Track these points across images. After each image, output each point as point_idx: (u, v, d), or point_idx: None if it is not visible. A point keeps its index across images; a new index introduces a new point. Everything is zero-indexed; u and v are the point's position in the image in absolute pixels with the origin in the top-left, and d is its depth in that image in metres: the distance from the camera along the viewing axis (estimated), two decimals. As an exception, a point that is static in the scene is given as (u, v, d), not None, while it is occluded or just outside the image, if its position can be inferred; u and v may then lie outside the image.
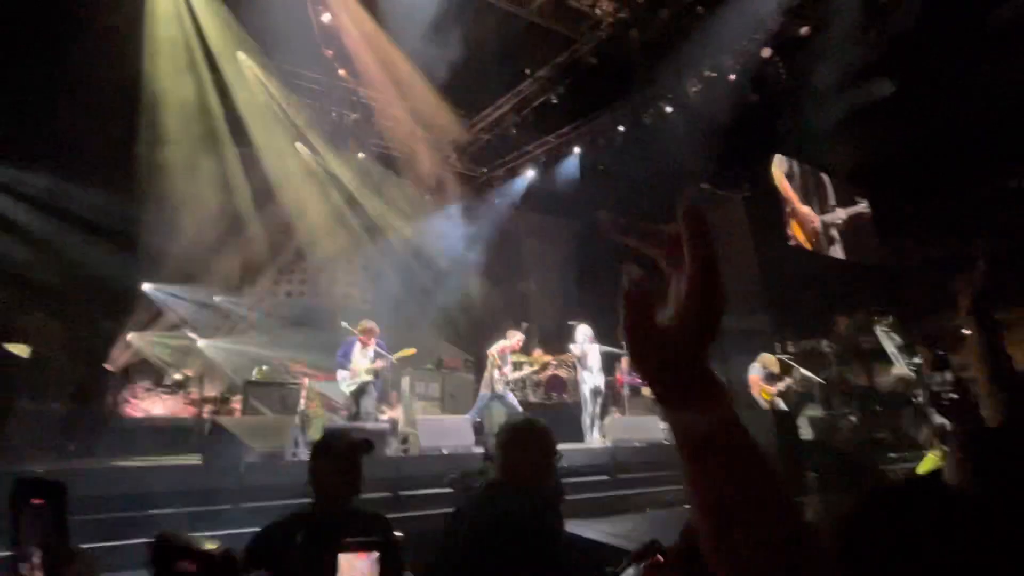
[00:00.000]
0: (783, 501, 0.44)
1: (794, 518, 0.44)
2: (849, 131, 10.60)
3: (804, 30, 8.34)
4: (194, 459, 4.15)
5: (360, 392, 5.59)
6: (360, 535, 1.58)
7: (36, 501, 0.97)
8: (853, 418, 7.40)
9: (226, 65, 7.68)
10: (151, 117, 7.24)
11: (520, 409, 6.03)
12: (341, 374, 5.66)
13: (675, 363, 0.45)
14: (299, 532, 1.65)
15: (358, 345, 5.74)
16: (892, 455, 5.74)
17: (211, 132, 8.09)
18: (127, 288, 7.37)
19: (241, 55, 7.67)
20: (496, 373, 6.19)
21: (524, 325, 9.34)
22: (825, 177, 12.04)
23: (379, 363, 5.69)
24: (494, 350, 6.40)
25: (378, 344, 5.83)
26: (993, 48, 8.13)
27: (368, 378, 5.62)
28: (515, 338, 6.59)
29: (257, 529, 1.77)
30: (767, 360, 7.32)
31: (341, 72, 8.10)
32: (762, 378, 7.15)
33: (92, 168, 6.55)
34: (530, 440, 1.89)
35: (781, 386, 7.11)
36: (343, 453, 1.77)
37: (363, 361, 5.66)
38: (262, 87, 8.07)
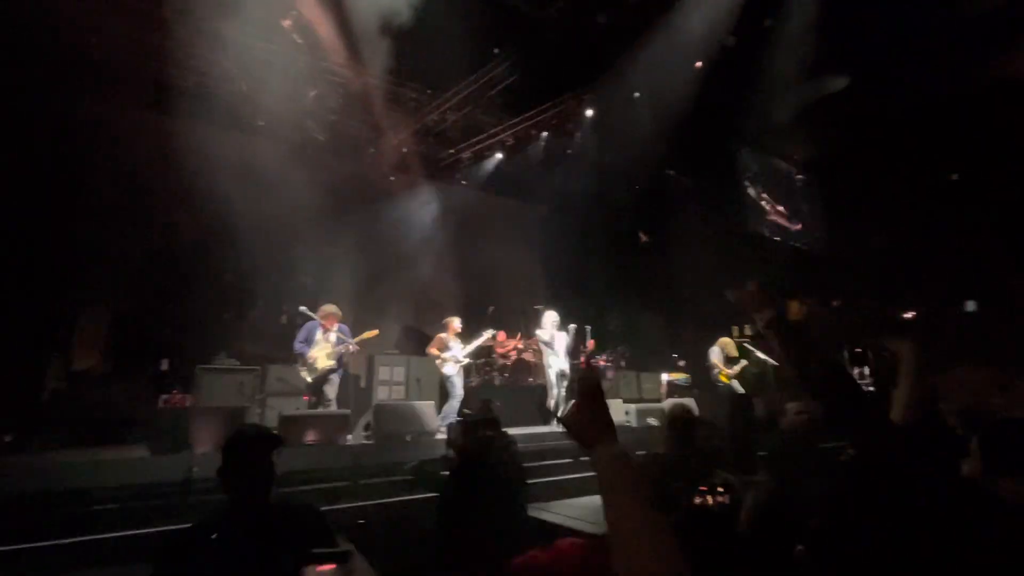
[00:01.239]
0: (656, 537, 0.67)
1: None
2: (804, 122, 10.98)
3: (768, 21, 8.50)
4: (140, 451, 3.96)
5: (321, 379, 5.47)
6: (284, 534, 1.59)
7: None
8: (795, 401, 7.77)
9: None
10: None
11: (460, 394, 6.03)
12: (300, 360, 5.51)
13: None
14: (213, 540, 1.57)
15: (319, 330, 5.58)
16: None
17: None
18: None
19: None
20: (446, 362, 6.23)
21: (489, 309, 9.34)
22: (782, 165, 12.47)
23: (340, 348, 5.55)
24: (432, 347, 6.40)
25: (340, 329, 5.69)
26: (941, 48, 8.50)
27: (330, 363, 5.49)
28: (452, 324, 6.56)
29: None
30: (725, 343, 7.58)
31: (298, 42, 7.71)
32: (721, 361, 7.41)
33: None
34: None
35: (737, 368, 7.39)
36: (253, 450, 1.67)
37: (324, 346, 5.52)
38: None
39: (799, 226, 12.40)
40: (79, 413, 5.80)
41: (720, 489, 0.99)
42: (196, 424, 3.79)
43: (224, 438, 1.76)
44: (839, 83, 10.33)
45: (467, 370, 8.56)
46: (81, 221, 7.34)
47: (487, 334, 7.10)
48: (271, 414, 5.89)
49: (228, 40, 7.53)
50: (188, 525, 1.63)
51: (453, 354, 6.28)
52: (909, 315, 10.49)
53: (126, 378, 6.99)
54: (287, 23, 7.43)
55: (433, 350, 6.36)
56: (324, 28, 7.60)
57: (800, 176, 12.80)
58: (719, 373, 7.31)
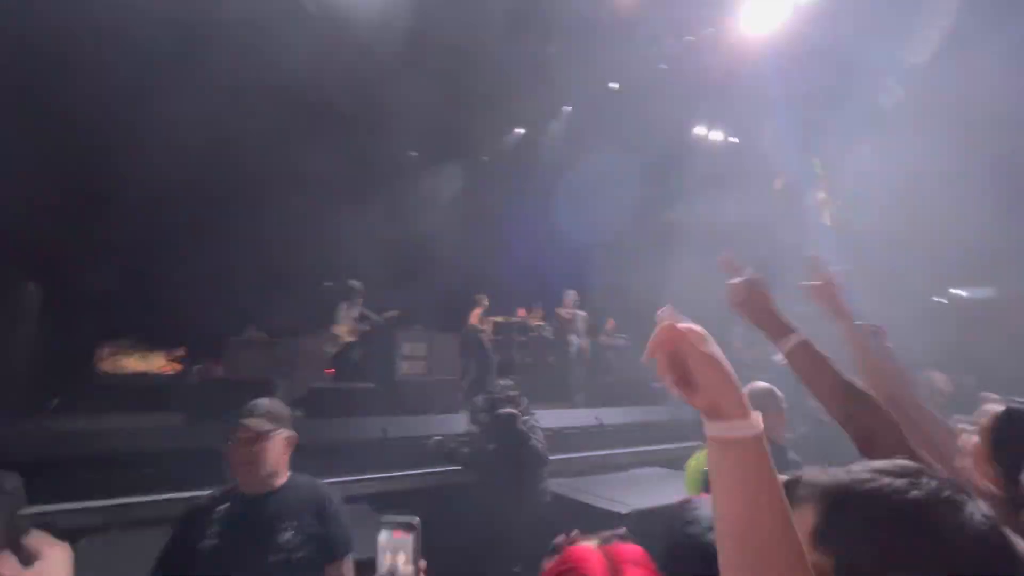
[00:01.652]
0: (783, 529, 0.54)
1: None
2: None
3: None
4: (177, 419, 4.14)
5: (344, 353, 5.58)
6: (290, 507, 1.63)
7: None
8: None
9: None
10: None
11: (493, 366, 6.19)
12: (324, 333, 5.61)
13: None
14: (217, 516, 1.59)
15: (343, 304, 5.67)
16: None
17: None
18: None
19: None
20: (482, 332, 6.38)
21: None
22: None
23: (363, 325, 5.66)
24: (473, 319, 6.54)
25: (363, 304, 5.77)
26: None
27: (350, 339, 5.59)
28: (481, 303, 6.69)
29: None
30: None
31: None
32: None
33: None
34: None
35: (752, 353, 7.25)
36: (253, 426, 1.64)
37: (347, 321, 5.62)
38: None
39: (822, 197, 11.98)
40: (121, 380, 6.07)
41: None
42: (225, 395, 3.92)
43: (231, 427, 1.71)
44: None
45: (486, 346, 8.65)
46: (118, 193, 7.53)
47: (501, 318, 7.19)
48: (298, 386, 6.06)
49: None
50: (205, 494, 1.69)
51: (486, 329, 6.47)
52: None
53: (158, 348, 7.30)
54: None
55: (475, 321, 6.49)
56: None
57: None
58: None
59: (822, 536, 0.58)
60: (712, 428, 0.59)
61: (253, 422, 1.65)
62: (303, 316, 8.05)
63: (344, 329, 5.58)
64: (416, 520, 0.84)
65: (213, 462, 3.32)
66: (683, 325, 0.64)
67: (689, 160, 11.09)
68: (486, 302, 6.72)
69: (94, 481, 3.07)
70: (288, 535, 1.59)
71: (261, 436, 1.63)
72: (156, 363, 7.02)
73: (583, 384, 6.39)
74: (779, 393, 2.21)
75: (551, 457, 3.32)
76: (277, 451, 1.67)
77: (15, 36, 5.67)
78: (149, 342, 7.23)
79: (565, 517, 3.24)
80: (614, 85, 9.21)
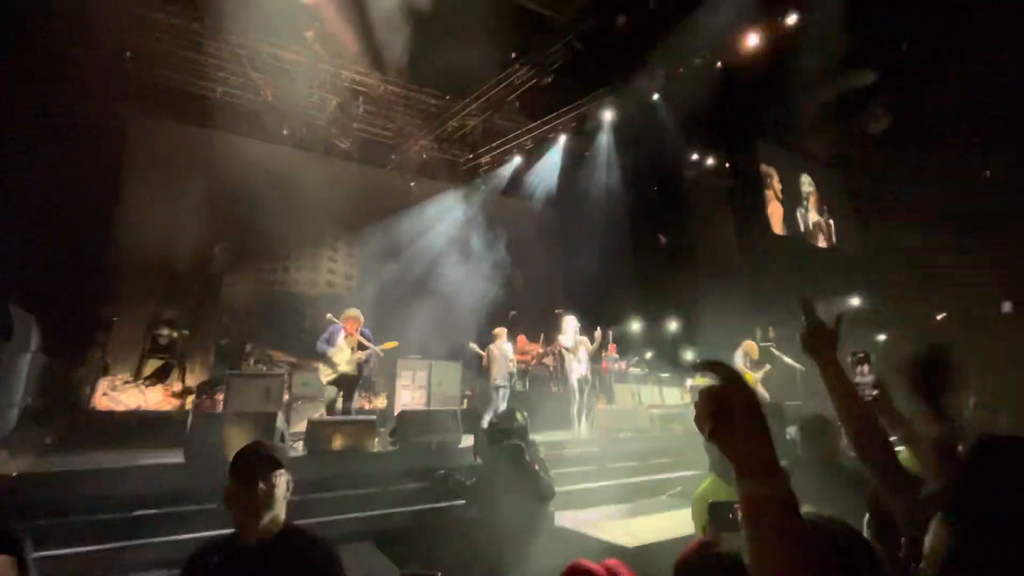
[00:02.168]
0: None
1: None
2: (831, 119, 10.73)
3: (792, 18, 8.33)
4: (176, 456, 4.07)
5: (339, 382, 5.50)
6: (290, 567, 1.50)
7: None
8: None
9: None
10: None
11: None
12: (322, 359, 5.54)
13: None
14: (215, 564, 1.50)
15: (342, 334, 5.64)
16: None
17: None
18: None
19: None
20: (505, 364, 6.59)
21: (511, 314, 9.35)
22: (808, 164, 12.21)
23: (361, 354, 5.62)
24: (502, 346, 6.73)
25: (362, 334, 5.74)
26: (973, 40, 8.24)
27: (349, 369, 5.53)
28: (502, 334, 6.88)
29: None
30: (749, 347, 7.44)
31: (321, 53, 7.85)
32: (745, 365, 7.28)
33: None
34: None
35: (761, 373, 7.25)
36: (249, 472, 1.55)
37: (346, 351, 5.58)
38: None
39: (827, 226, 12.13)
40: (117, 416, 5.99)
41: None
42: (228, 430, 3.87)
43: (231, 464, 1.62)
44: (867, 77, 10.09)
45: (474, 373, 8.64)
46: (117, 229, 7.60)
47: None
48: (296, 419, 6.00)
49: (254, 52, 7.73)
50: (203, 544, 1.61)
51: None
52: (941, 316, 10.17)
53: (155, 382, 7.24)
54: (310, 34, 7.57)
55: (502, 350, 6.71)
56: (346, 38, 7.73)
57: (826, 174, 12.52)
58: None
59: None
60: (745, 486, 0.64)
61: (257, 463, 1.58)
62: (301, 347, 8.07)
63: (343, 360, 5.55)
64: (439, 574, 0.84)
65: (213, 502, 3.28)
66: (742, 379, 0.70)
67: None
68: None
69: (90, 524, 3.00)
70: None
71: (265, 479, 1.56)
72: (153, 398, 6.95)
73: (586, 413, 6.35)
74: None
75: (556, 489, 3.28)
76: (279, 495, 1.59)
77: None
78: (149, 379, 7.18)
79: (570, 551, 3.18)
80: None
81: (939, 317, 9.94)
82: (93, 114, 6.89)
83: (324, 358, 5.50)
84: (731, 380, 0.71)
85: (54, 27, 5.96)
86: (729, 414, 0.69)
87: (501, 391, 6.59)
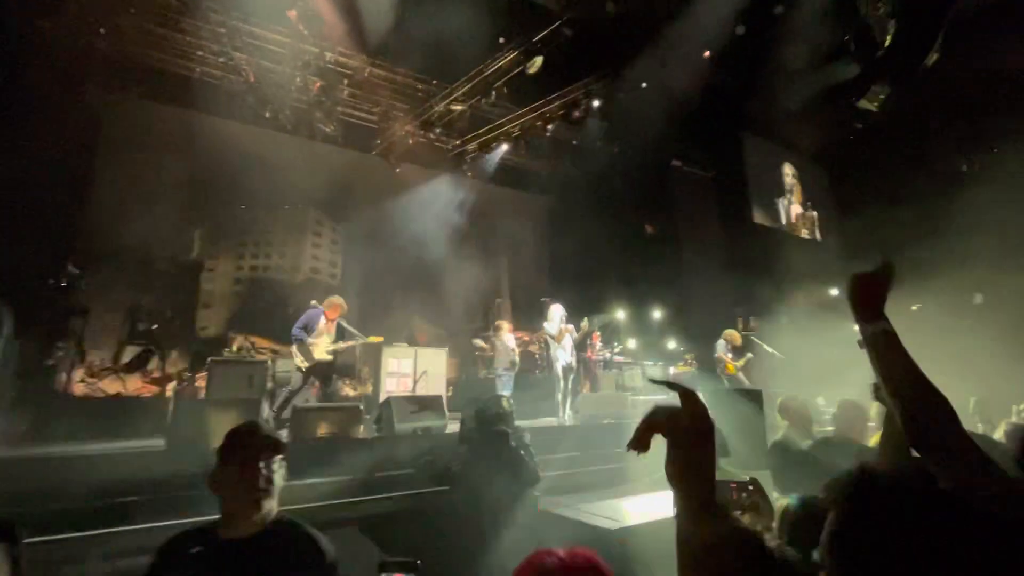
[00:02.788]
0: None
1: None
2: (815, 111, 10.84)
3: (778, 9, 8.37)
4: (158, 443, 4.03)
5: (315, 370, 5.46)
6: (276, 560, 1.41)
7: None
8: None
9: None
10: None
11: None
12: (297, 347, 5.47)
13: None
14: (194, 555, 1.40)
15: (323, 320, 5.58)
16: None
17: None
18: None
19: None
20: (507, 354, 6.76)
21: (497, 302, 9.37)
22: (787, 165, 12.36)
23: (341, 344, 5.60)
24: (503, 337, 6.91)
25: (340, 322, 5.68)
26: (955, 34, 8.36)
27: (327, 358, 5.50)
28: (504, 326, 7.07)
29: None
30: (730, 335, 7.58)
31: (305, 33, 7.65)
32: (727, 353, 7.42)
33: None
34: None
35: (743, 361, 7.40)
36: (251, 456, 1.47)
37: (326, 339, 5.53)
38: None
39: (809, 217, 12.33)
40: (94, 402, 5.88)
41: None
42: (211, 417, 3.84)
43: (220, 447, 1.53)
44: (849, 70, 10.20)
45: (472, 363, 8.64)
46: (91, 215, 7.39)
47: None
48: (282, 406, 5.95)
49: (235, 31, 7.51)
50: (178, 533, 1.49)
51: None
52: (915, 307, 10.44)
53: (134, 369, 7.12)
54: (292, 13, 7.37)
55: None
56: (330, 18, 7.54)
57: (809, 166, 12.69)
58: (725, 366, 7.33)
59: None
60: (681, 519, 0.70)
61: (258, 446, 1.49)
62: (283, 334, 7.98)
63: (321, 346, 5.50)
64: (419, 562, 0.85)
65: (194, 489, 3.25)
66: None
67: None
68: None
69: (70, 511, 2.96)
70: None
71: (267, 464, 1.48)
72: (133, 384, 6.84)
73: (571, 400, 6.42)
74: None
75: (541, 474, 3.32)
76: (278, 483, 1.50)
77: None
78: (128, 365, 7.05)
79: (556, 535, 3.23)
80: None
81: (913, 307, 10.21)
82: (65, 92, 6.65)
83: (300, 344, 5.43)
84: (687, 403, 0.73)
85: (26, 2, 5.71)
86: (679, 439, 0.71)
87: (504, 378, 6.75)
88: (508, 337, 7.00)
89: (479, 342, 7.37)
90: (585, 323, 6.53)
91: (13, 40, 5.64)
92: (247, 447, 1.50)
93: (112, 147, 7.72)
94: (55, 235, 6.51)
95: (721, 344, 7.49)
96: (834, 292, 10.64)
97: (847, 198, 11.97)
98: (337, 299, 5.75)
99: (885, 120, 10.16)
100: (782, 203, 11.83)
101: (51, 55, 6.44)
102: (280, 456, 1.53)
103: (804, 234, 12.20)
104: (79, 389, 6.34)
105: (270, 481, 1.48)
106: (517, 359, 6.92)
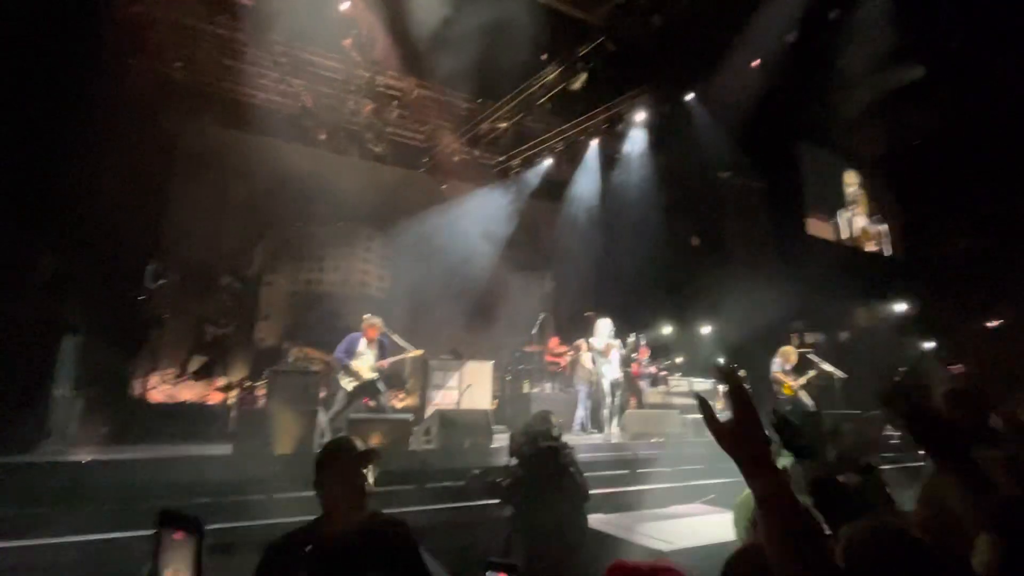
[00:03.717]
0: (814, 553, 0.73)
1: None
2: (875, 119, 10.34)
3: (833, 13, 8.08)
4: (224, 448, 4.27)
5: (362, 390, 5.63)
6: (375, 550, 1.62)
7: (178, 535, 1.00)
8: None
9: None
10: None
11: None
12: (343, 370, 5.66)
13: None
14: (304, 559, 1.58)
15: (363, 341, 5.73)
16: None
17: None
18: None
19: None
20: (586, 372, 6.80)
21: (541, 316, 9.37)
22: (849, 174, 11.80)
23: (384, 363, 5.74)
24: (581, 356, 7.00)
25: (382, 339, 5.81)
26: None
27: (372, 376, 5.64)
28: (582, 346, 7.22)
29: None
30: (787, 352, 7.24)
31: (358, 60, 8.05)
32: (784, 372, 7.09)
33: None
34: None
35: (803, 379, 7.03)
36: (350, 463, 1.71)
37: (368, 359, 5.67)
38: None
39: (872, 229, 11.70)
40: (167, 408, 6.29)
41: None
42: (274, 425, 4.03)
43: (320, 454, 1.78)
44: (913, 73, 9.68)
45: (520, 378, 8.64)
46: (166, 232, 7.98)
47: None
48: (338, 418, 6.16)
49: (294, 59, 8.00)
50: (274, 543, 1.66)
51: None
52: (993, 323, 9.67)
53: (201, 377, 7.57)
54: (348, 42, 7.78)
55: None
56: (381, 46, 7.90)
57: (872, 175, 12.07)
58: (783, 386, 7.00)
59: None
60: (753, 486, 0.79)
61: (360, 455, 1.74)
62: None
63: (364, 365, 5.66)
64: (518, 565, 0.90)
65: (261, 492, 3.43)
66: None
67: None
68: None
69: (145, 511, 3.18)
70: None
71: (364, 468, 1.72)
72: (199, 392, 7.27)
73: (617, 416, 6.33)
74: None
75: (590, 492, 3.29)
76: (371, 484, 1.75)
77: None
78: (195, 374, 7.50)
79: (605, 553, 3.19)
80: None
81: (991, 324, 9.47)
82: (145, 119, 7.25)
83: (345, 367, 5.61)
84: (731, 384, 0.84)
85: (115, 40, 6.31)
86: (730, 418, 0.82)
87: (581, 394, 6.90)
88: (585, 356, 6.97)
89: (557, 360, 7.49)
90: (632, 340, 6.44)
91: (106, 77, 6.21)
92: (348, 456, 1.74)
93: (185, 169, 8.32)
94: (136, 249, 7.04)
95: (777, 363, 7.14)
96: (901, 308, 10.04)
97: (915, 208, 11.28)
98: (373, 319, 5.84)
99: (953, 124, 9.57)
100: (844, 215, 11.27)
101: (134, 86, 7.06)
102: (372, 463, 1.77)
103: (871, 247, 11.56)
104: (153, 396, 6.80)
105: (366, 484, 1.72)
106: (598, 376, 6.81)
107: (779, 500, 0.76)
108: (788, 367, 7.07)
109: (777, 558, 0.74)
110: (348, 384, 5.58)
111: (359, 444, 1.79)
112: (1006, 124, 8.96)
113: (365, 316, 5.88)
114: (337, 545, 1.61)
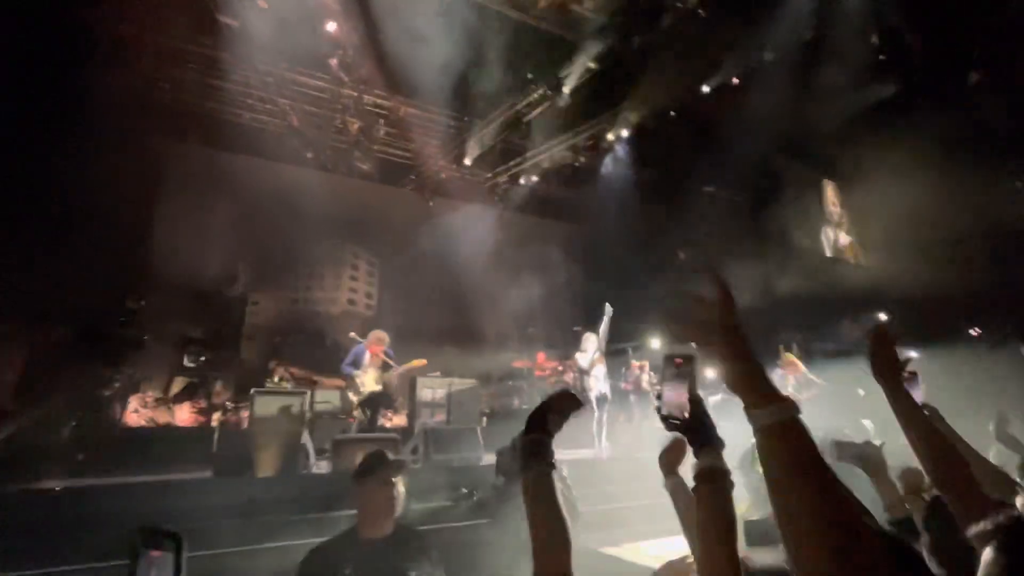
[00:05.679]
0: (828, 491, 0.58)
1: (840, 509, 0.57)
2: (854, 134, 10.62)
3: (808, 34, 8.36)
4: (205, 472, 4.15)
5: (368, 402, 5.61)
6: (409, 551, 1.85)
7: (156, 553, 0.96)
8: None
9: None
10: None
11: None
12: (347, 382, 5.67)
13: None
14: (348, 558, 1.76)
15: (367, 355, 5.74)
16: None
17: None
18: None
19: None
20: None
21: (528, 331, 9.37)
22: (829, 184, 12.07)
23: (389, 375, 5.72)
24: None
25: (386, 353, 5.83)
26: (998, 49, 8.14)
27: (377, 388, 5.63)
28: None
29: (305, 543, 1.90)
30: (788, 361, 7.04)
31: (345, 79, 8.11)
32: (785, 383, 6.78)
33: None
34: None
35: (807, 396, 6.69)
36: (387, 474, 1.88)
37: (372, 372, 5.67)
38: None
39: (851, 241, 11.94)
40: (146, 432, 6.13)
41: None
42: (256, 446, 3.94)
43: (359, 466, 1.96)
44: (886, 90, 9.98)
45: (508, 393, 8.58)
46: (149, 252, 7.88)
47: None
48: (319, 436, 6.05)
49: (281, 79, 8.03)
50: (316, 547, 1.83)
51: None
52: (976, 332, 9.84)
53: (183, 399, 7.40)
54: (334, 61, 7.85)
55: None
56: (368, 63, 7.98)
57: (850, 189, 12.36)
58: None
59: None
60: (756, 417, 0.63)
61: (392, 467, 1.92)
62: (321, 365, 8.18)
63: (369, 378, 5.63)
64: None
65: (240, 516, 3.33)
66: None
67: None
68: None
69: (119, 539, 3.07)
70: None
71: (395, 480, 1.90)
72: (181, 415, 7.10)
73: (605, 431, 6.29)
74: None
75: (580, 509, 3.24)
76: (403, 492, 1.93)
77: None
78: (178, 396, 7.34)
79: (596, 571, 3.13)
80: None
81: (972, 332, 9.64)
82: (131, 139, 7.21)
83: (350, 380, 5.62)
84: (724, 292, 0.71)
85: (101, 60, 6.31)
86: (715, 328, 0.67)
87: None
88: (599, 369, 6.76)
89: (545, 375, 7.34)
90: (605, 318, 6.33)
91: (92, 97, 6.18)
92: (383, 468, 1.91)
93: (170, 189, 8.26)
94: (117, 270, 6.94)
95: (778, 374, 6.84)
96: (882, 317, 10.17)
97: (891, 220, 11.52)
98: (379, 333, 5.90)
99: (929, 138, 9.85)
100: (827, 231, 11.50)
101: (120, 106, 7.03)
102: (402, 474, 1.96)
103: (847, 257, 11.80)
104: (132, 419, 6.62)
105: (399, 492, 1.91)
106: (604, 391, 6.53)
107: (786, 428, 0.61)
108: (791, 379, 6.76)
109: (784, 495, 0.59)
110: (355, 396, 5.59)
111: (390, 455, 1.99)
112: (980, 136, 9.26)
113: (373, 332, 5.91)
114: (374, 546, 1.81)
